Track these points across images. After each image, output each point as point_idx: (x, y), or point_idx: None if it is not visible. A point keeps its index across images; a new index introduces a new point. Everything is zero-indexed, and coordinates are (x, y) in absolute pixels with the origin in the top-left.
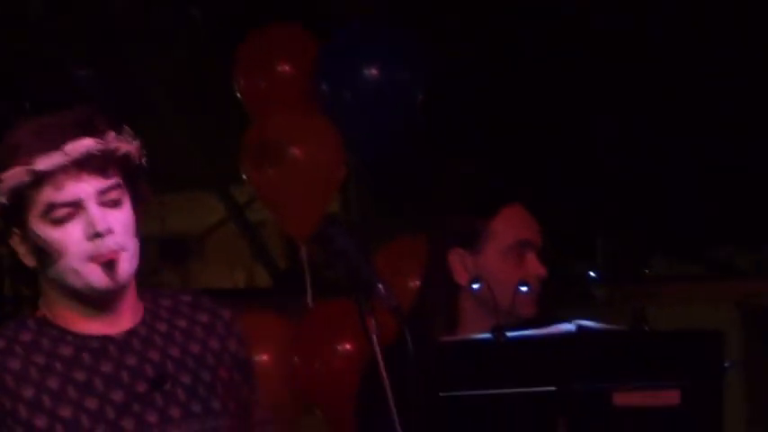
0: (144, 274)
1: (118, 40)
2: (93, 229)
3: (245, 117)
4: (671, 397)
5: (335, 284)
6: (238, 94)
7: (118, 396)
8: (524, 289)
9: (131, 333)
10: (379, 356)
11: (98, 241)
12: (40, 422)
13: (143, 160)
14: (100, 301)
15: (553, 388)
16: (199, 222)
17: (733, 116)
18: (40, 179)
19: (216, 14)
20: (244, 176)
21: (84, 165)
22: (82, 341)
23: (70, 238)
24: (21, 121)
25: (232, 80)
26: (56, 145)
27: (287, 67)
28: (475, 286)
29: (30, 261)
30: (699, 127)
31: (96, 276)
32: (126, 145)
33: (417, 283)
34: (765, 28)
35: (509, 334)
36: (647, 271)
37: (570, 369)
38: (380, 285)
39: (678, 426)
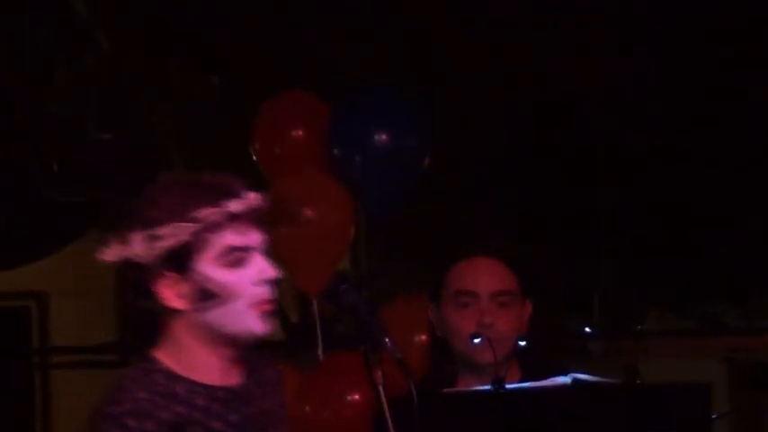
0: None
1: (143, 105)
2: (266, 275)
3: (260, 179)
4: None
5: (345, 338)
6: (254, 158)
7: None
8: (477, 342)
9: (244, 385)
10: (386, 406)
11: (266, 288)
12: None
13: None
14: (241, 349)
15: None
16: None
17: (722, 181)
18: (222, 223)
19: (233, 82)
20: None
21: (252, 216)
22: (211, 391)
23: (242, 281)
24: (164, 179)
25: (249, 144)
26: (235, 195)
27: (300, 133)
28: (476, 340)
29: (180, 304)
30: (691, 191)
31: (256, 323)
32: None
33: (423, 337)
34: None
35: (508, 386)
36: (640, 327)
37: (566, 420)
38: (387, 339)
39: None
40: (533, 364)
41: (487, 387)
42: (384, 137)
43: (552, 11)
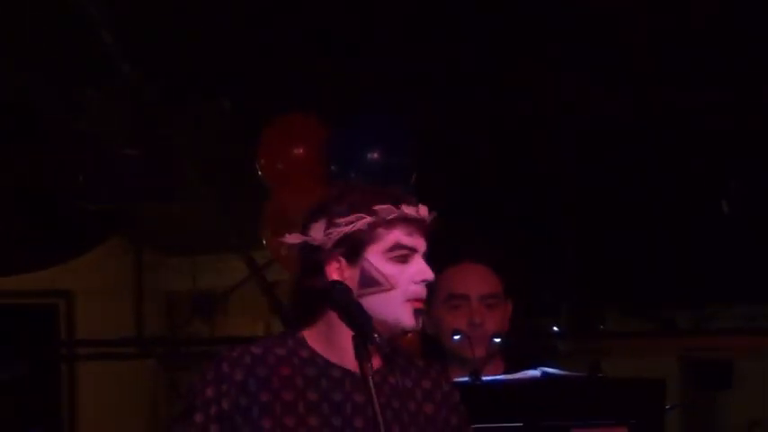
0: (178, 326)
1: (161, 125)
2: (425, 276)
3: (265, 191)
4: (618, 430)
5: None
6: (260, 173)
7: (337, 422)
8: (456, 339)
9: (371, 377)
10: (374, 395)
11: (422, 287)
12: (267, 424)
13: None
14: (387, 342)
15: (521, 424)
16: (225, 281)
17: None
18: (395, 221)
19: (242, 104)
20: (263, 242)
21: (420, 225)
22: (326, 368)
23: (403, 276)
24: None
25: (255, 160)
26: (409, 202)
27: (301, 151)
28: (456, 337)
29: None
30: (647, 206)
31: (407, 316)
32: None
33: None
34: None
35: (484, 378)
36: (601, 328)
37: (535, 408)
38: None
39: None
40: (516, 359)
41: (465, 378)
42: (376, 155)
43: None
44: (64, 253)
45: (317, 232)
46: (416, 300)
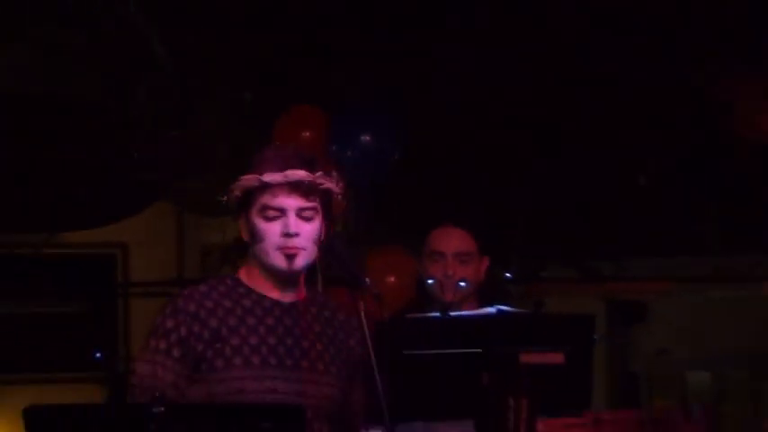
0: (210, 270)
1: (197, 112)
2: (287, 230)
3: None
4: (558, 358)
5: (336, 278)
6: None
7: (272, 340)
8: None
9: (293, 305)
10: (365, 327)
11: (287, 239)
12: (217, 344)
13: (340, 196)
14: (278, 278)
15: (479, 350)
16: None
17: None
18: (264, 188)
19: (261, 96)
20: (225, 198)
21: (295, 187)
22: (260, 299)
23: (270, 231)
24: (266, 148)
25: (271, 141)
26: (280, 168)
27: (307, 134)
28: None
29: (246, 237)
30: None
31: (279, 261)
32: (329, 183)
33: (392, 278)
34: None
35: (451, 314)
36: (543, 275)
37: (491, 337)
38: (367, 280)
39: (561, 378)
40: (487, 301)
41: (436, 314)
42: (367, 138)
43: None
44: (121, 213)
45: (231, 193)
46: (284, 248)
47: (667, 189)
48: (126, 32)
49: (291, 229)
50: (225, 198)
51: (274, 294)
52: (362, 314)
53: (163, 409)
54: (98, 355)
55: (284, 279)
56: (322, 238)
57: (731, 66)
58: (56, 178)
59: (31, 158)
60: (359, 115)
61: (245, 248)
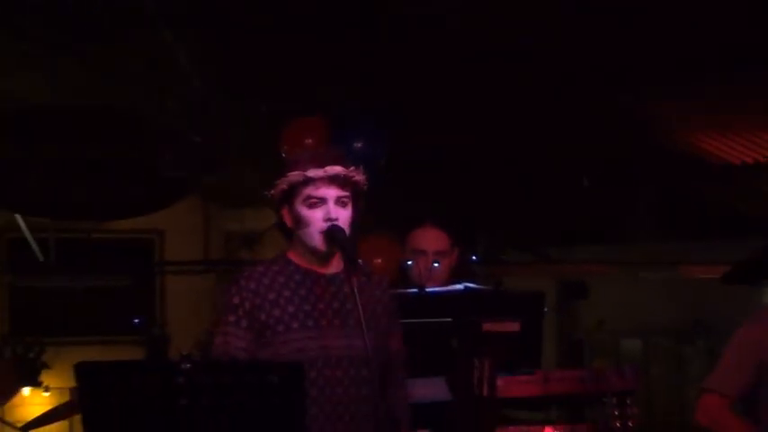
0: (231, 253)
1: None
2: (328, 215)
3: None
4: (515, 326)
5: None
6: (283, 154)
7: (321, 305)
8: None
9: (333, 277)
10: (358, 299)
11: (329, 223)
12: (280, 325)
13: (365, 186)
14: (321, 255)
15: (449, 319)
16: (261, 224)
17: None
18: (307, 181)
19: (274, 109)
20: (272, 192)
21: (333, 180)
22: (306, 274)
23: (314, 216)
24: (302, 147)
25: (280, 146)
26: (321, 165)
27: (310, 140)
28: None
29: (290, 224)
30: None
31: (319, 243)
32: (358, 177)
33: (379, 260)
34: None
35: (428, 289)
36: (503, 258)
37: (459, 309)
38: (360, 261)
39: (517, 343)
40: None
41: (416, 290)
42: (359, 144)
43: None
44: (158, 205)
45: (276, 188)
46: (326, 232)
47: (605, 189)
48: (162, 56)
49: (332, 215)
50: (271, 192)
51: (319, 269)
52: (355, 289)
53: (189, 365)
54: (136, 321)
55: (326, 256)
56: (353, 221)
57: (654, 91)
58: (105, 176)
59: (85, 160)
60: (353, 127)
61: (288, 233)
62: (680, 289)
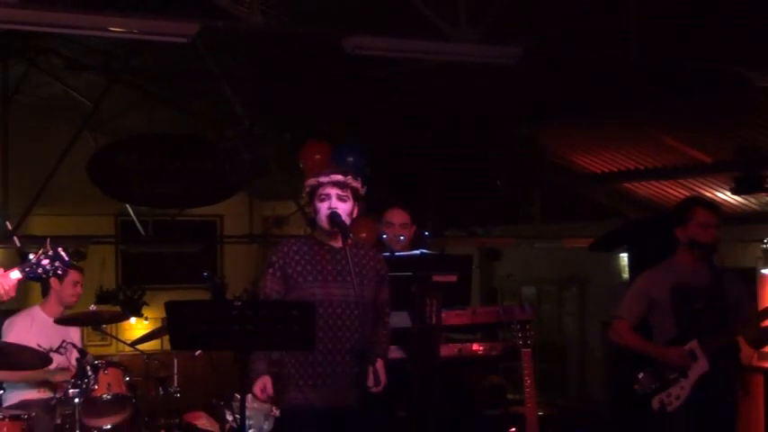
0: (267, 229)
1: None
2: (330, 206)
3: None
4: (453, 278)
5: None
6: (301, 165)
7: (329, 267)
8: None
9: (338, 249)
10: (351, 262)
11: (331, 211)
12: (300, 278)
13: (363, 191)
14: (328, 234)
15: (410, 273)
16: (287, 211)
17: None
18: (320, 185)
19: (295, 136)
20: (303, 194)
21: (335, 184)
22: (320, 246)
23: (323, 207)
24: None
25: (300, 161)
26: (327, 175)
27: (318, 157)
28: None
29: (313, 214)
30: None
31: (325, 224)
32: (354, 183)
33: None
34: None
35: (396, 254)
36: (447, 233)
37: (417, 267)
38: (351, 235)
39: (455, 289)
40: (416, 247)
41: (387, 254)
42: (351, 159)
43: None
44: (220, 198)
45: (303, 193)
46: (328, 216)
47: (512, 188)
48: (223, 101)
49: (333, 206)
50: (303, 194)
51: (329, 243)
52: (348, 255)
53: (240, 303)
54: (204, 274)
55: (331, 233)
56: (354, 214)
57: (546, 125)
58: (185, 178)
59: (173, 169)
60: (347, 149)
61: (313, 220)
62: (561, 254)
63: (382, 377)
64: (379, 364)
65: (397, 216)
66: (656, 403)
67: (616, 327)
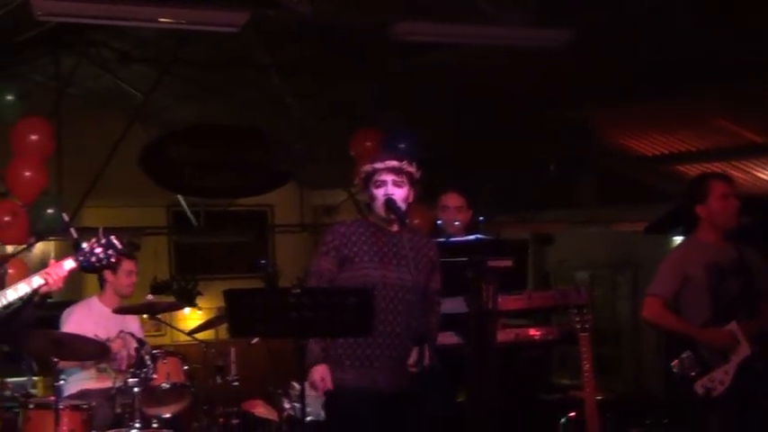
0: (318, 217)
1: (310, 136)
2: (386, 192)
3: (354, 162)
4: (509, 262)
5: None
6: (353, 153)
7: (384, 249)
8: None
9: (393, 234)
10: (407, 246)
11: (387, 197)
12: (356, 258)
13: (418, 176)
14: (383, 219)
15: (466, 259)
16: (338, 199)
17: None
18: (375, 171)
19: (345, 126)
20: (355, 182)
21: (391, 170)
22: (376, 229)
23: (379, 193)
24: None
25: (351, 149)
26: (383, 161)
27: (369, 143)
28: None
29: (368, 200)
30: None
31: (382, 211)
32: (409, 169)
33: (417, 221)
34: None
35: (451, 239)
36: (500, 218)
37: (473, 252)
38: (407, 220)
39: (510, 273)
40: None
41: (443, 239)
42: (402, 145)
43: None
44: (271, 188)
45: (357, 179)
46: (385, 202)
47: (565, 172)
48: (273, 93)
49: (389, 191)
50: (358, 180)
51: (385, 227)
52: (405, 239)
53: (298, 290)
54: (263, 261)
55: (387, 219)
56: (410, 199)
57: (596, 108)
58: (236, 169)
59: (225, 159)
60: (396, 136)
61: (368, 206)
62: (614, 238)
63: (426, 361)
64: (425, 348)
65: (453, 200)
66: (699, 388)
67: (650, 304)
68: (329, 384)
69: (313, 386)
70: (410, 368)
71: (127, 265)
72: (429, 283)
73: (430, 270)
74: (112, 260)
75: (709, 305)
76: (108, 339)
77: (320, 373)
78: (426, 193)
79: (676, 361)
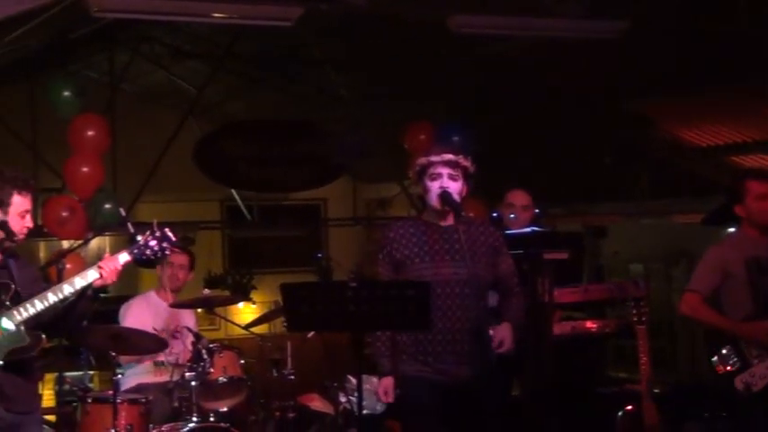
0: (371, 211)
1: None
2: (442, 185)
3: (408, 156)
4: (564, 255)
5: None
6: (406, 146)
7: (437, 246)
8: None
9: (447, 227)
10: (463, 240)
11: (442, 190)
12: (407, 260)
13: (472, 170)
14: (437, 212)
15: (522, 251)
16: (391, 193)
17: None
18: (431, 164)
19: (398, 119)
20: (412, 174)
21: (446, 163)
22: (428, 226)
23: (434, 186)
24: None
25: (405, 142)
26: (438, 154)
27: (423, 137)
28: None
29: (422, 193)
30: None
31: (436, 203)
32: (465, 162)
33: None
34: None
35: (507, 232)
36: (556, 211)
37: (528, 244)
38: (462, 212)
39: (566, 266)
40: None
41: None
42: (456, 138)
43: None
44: (324, 182)
45: (411, 172)
46: (437, 193)
47: (619, 164)
48: (328, 86)
49: (445, 184)
50: (412, 173)
51: (438, 222)
52: (461, 232)
53: (355, 284)
54: (319, 255)
55: (441, 212)
56: (464, 193)
57: (652, 99)
58: (289, 163)
59: (278, 153)
60: (447, 130)
61: (423, 201)
62: (668, 230)
63: (507, 341)
64: (506, 327)
65: (519, 198)
66: (739, 384)
67: (688, 300)
68: (391, 398)
69: (378, 397)
70: (496, 350)
71: (180, 259)
72: (497, 269)
73: (491, 256)
74: (167, 252)
75: (749, 300)
76: (165, 333)
77: (384, 386)
78: (479, 186)
79: (717, 356)
